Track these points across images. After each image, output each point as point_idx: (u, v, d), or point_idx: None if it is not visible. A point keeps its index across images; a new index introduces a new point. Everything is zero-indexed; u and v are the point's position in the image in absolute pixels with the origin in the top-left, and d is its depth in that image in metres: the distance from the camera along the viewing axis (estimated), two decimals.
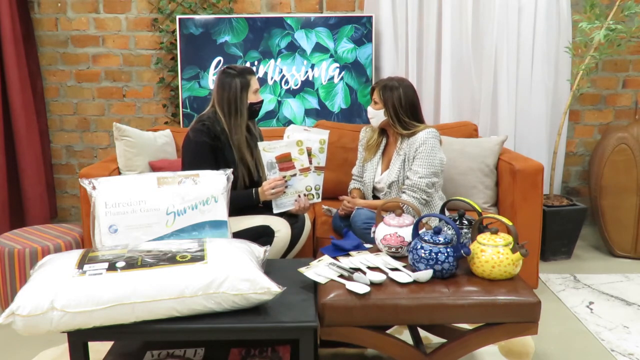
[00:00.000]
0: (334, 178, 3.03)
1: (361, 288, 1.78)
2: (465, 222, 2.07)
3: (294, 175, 2.44)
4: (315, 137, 2.49)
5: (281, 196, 2.45)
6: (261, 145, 2.41)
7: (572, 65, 3.57)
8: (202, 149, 2.37)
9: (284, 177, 2.43)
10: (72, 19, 3.69)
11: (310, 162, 2.47)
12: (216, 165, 2.37)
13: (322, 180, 2.52)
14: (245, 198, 2.44)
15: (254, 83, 2.47)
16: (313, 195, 2.51)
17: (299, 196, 2.47)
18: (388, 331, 1.96)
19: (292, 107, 3.58)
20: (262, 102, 2.52)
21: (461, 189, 2.94)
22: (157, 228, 1.91)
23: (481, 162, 2.95)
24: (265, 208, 2.50)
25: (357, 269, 1.91)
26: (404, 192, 2.54)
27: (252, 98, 2.46)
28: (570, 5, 3.52)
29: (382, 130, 2.73)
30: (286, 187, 2.44)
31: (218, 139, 2.41)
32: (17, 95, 3.41)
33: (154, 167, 2.88)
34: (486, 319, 1.80)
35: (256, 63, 3.55)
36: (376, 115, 2.64)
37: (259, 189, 2.44)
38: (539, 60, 3.53)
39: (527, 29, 3.50)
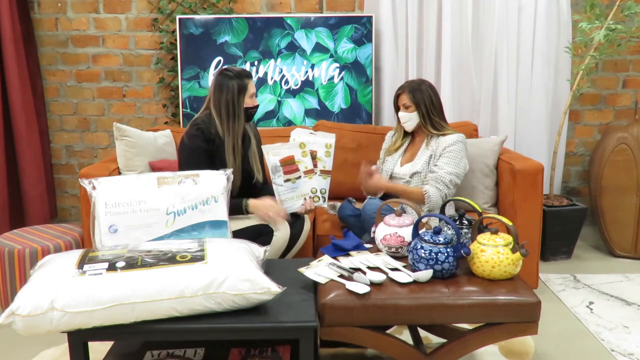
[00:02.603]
0: (333, 178, 3.01)
1: (361, 288, 1.78)
2: (465, 222, 2.07)
3: (299, 177, 2.45)
4: (322, 141, 2.50)
5: (288, 199, 2.46)
6: (265, 149, 2.41)
7: (572, 65, 3.57)
8: (198, 154, 2.37)
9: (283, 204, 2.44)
10: (72, 19, 3.69)
11: (316, 166, 2.49)
12: (213, 169, 2.37)
13: (329, 185, 2.54)
14: (235, 209, 2.40)
15: (251, 87, 2.44)
16: (319, 197, 2.52)
17: (305, 199, 2.48)
18: (388, 331, 1.96)
19: (292, 107, 3.59)
20: (257, 106, 2.50)
21: (461, 189, 2.94)
22: (157, 228, 1.91)
23: (481, 162, 2.95)
24: None
25: (357, 269, 1.91)
26: (427, 183, 2.58)
27: (248, 102, 2.44)
28: (570, 5, 3.52)
29: (406, 133, 2.78)
30: (292, 190, 2.45)
31: (213, 142, 2.40)
32: (17, 95, 3.41)
33: (154, 167, 2.88)
34: (486, 319, 1.80)
35: (256, 63, 3.55)
36: (411, 118, 2.67)
37: (252, 202, 2.40)
38: (539, 60, 3.53)
39: (527, 29, 3.50)
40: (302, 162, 2.45)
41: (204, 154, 2.38)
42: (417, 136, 2.76)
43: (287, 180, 2.44)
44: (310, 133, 2.54)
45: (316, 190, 2.51)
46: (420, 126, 2.69)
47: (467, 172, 2.95)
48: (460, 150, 2.61)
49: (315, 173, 2.50)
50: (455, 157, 2.59)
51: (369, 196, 2.66)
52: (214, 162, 2.38)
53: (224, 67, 2.50)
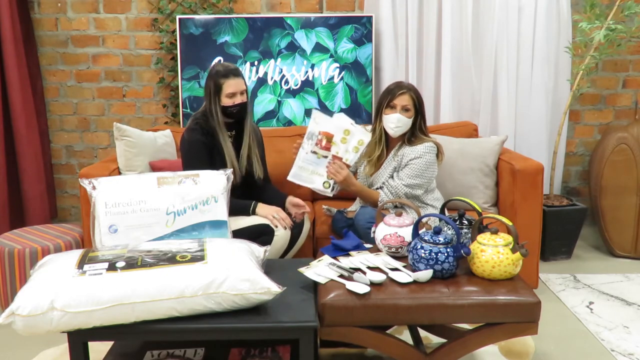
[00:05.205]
0: None
1: (361, 288, 1.78)
2: (465, 222, 2.07)
3: (326, 157, 2.42)
4: (358, 136, 2.43)
5: (303, 168, 2.43)
6: (314, 113, 2.39)
7: (572, 65, 3.57)
8: (197, 148, 2.38)
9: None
10: (72, 19, 3.69)
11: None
12: (212, 163, 2.37)
13: None
14: (241, 209, 2.41)
15: (228, 87, 2.37)
16: (329, 184, 2.46)
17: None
18: (388, 331, 1.96)
19: (292, 107, 3.59)
20: (238, 105, 2.41)
21: (461, 189, 2.94)
22: (157, 228, 1.91)
23: (481, 162, 2.95)
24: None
25: (357, 269, 1.91)
26: (381, 188, 2.54)
27: (225, 102, 2.40)
28: (570, 5, 3.52)
29: (385, 142, 2.60)
30: (312, 162, 2.42)
31: (212, 136, 2.41)
32: (17, 95, 3.41)
33: (154, 167, 2.88)
34: (486, 319, 1.80)
35: (256, 63, 3.55)
36: (405, 124, 2.49)
37: (261, 205, 2.42)
38: (539, 60, 3.53)
39: (527, 29, 3.50)
40: (337, 145, 2.41)
41: (202, 146, 2.38)
42: (391, 143, 2.60)
43: (313, 152, 2.41)
44: (351, 124, 2.44)
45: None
46: (403, 134, 2.52)
47: (467, 172, 2.95)
48: (426, 162, 2.48)
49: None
50: (418, 170, 2.47)
51: (361, 204, 2.63)
52: (212, 155, 2.39)
53: (217, 61, 2.48)
